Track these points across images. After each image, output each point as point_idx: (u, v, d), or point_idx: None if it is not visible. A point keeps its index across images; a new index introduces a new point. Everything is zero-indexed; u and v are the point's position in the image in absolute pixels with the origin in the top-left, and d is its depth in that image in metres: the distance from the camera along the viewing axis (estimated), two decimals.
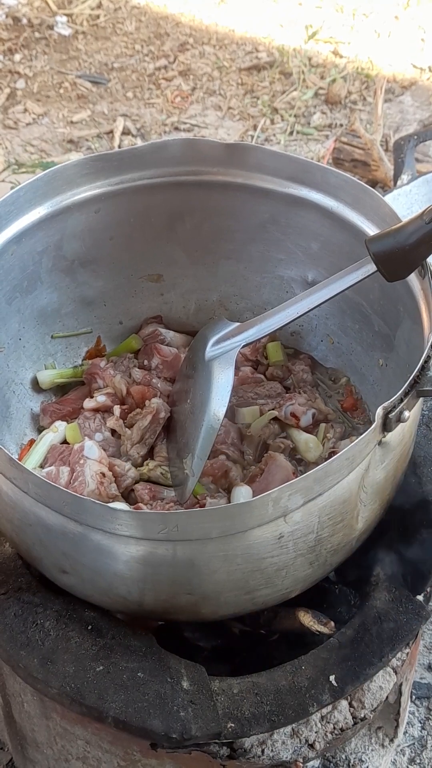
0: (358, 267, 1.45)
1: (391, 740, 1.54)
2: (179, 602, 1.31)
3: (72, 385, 1.75)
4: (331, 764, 1.46)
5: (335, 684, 1.33)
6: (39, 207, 1.60)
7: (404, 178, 2.50)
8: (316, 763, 1.43)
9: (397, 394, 1.26)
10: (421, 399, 1.33)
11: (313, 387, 1.72)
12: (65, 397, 1.73)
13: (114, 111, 3.71)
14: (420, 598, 1.44)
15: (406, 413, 1.27)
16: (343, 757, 1.47)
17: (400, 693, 1.50)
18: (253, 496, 1.46)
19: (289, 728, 1.35)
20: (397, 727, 1.55)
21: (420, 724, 1.87)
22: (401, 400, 1.26)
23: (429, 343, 1.33)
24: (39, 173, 1.58)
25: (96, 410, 1.66)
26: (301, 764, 1.35)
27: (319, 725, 1.37)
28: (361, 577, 1.51)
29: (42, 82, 3.85)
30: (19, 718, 1.53)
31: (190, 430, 1.54)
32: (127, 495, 1.56)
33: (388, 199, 1.70)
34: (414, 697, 1.90)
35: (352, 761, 1.48)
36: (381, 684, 1.42)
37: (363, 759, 1.49)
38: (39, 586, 1.42)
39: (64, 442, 1.63)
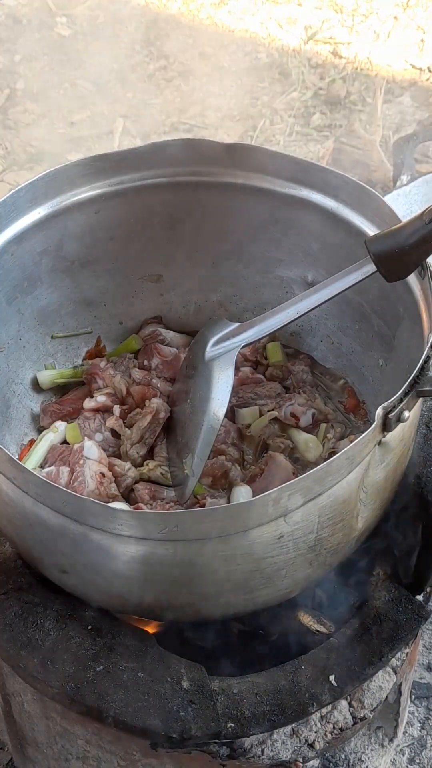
0: (357, 267, 1.45)
1: (391, 740, 1.54)
2: (179, 602, 1.31)
3: (72, 386, 1.75)
4: (331, 764, 1.47)
5: (335, 684, 1.33)
6: (39, 207, 1.60)
7: (404, 178, 2.51)
8: (316, 762, 1.43)
9: (397, 394, 1.26)
10: (420, 399, 1.33)
11: (313, 387, 1.72)
12: (65, 397, 1.73)
13: (113, 111, 3.71)
14: (419, 598, 1.44)
15: (406, 413, 1.27)
16: (343, 756, 1.47)
17: (399, 693, 1.50)
18: (253, 496, 1.46)
19: (288, 728, 1.35)
20: (396, 726, 1.55)
21: (419, 724, 1.87)
22: (401, 400, 1.26)
23: (429, 343, 1.33)
24: (37, 171, 1.58)
25: (96, 410, 1.66)
26: (300, 764, 1.35)
27: (318, 725, 1.37)
28: (361, 576, 1.51)
29: (42, 82, 3.85)
30: (19, 718, 1.53)
31: (190, 431, 1.54)
32: (128, 495, 1.56)
33: (388, 199, 1.69)
34: (413, 696, 1.90)
35: (351, 761, 1.48)
36: (380, 684, 1.42)
37: (362, 759, 1.49)
38: (39, 586, 1.42)
39: (64, 442, 1.63)
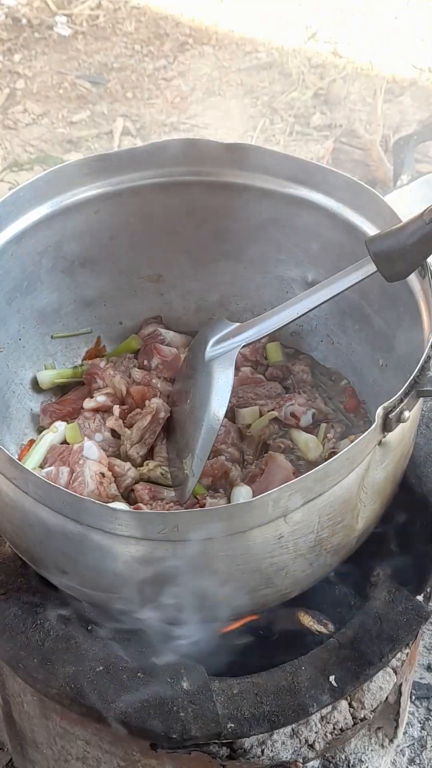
0: (358, 267, 1.45)
1: (391, 740, 1.54)
2: (179, 603, 1.30)
3: (72, 386, 1.75)
4: (331, 764, 1.46)
5: (335, 684, 1.33)
6: (39, 207, 1.59)
7: (404, 178, 2.51)
8: (316, 763, 1.43)
9: (398, 394, 1.26)
10: (421, 399, 1.33)
11: (313, 387, 1.72)
12: (65, 397, 1.73)
13: (113, 111, 3.71)
14: (420, 598, 1.44)
15: (406, 413, 1.27)
16: (343, 757, 1.47)
17: (399, 693, 1.50)
18: (253, 497, 1.46)
19: (288, 728, 1.35)
20: (396, 727, 1.55)
21: (420, 725, 1.87)
22: (401, 401, 1.26)
23: (429, 343, 1.33)
24: (37, 171, 1.58)
25: (96, 410, 1.66)
26: (300, 764, 1.35)
27: (318, 725, 1.37)
28: (361, 577, 1.51)
29: (41, 82, 3.85)
30: (18, 719, 1.53)
31: (190, 431, 1.53)
32: (127, 495, 1.56)
33: (388, 199, 1.69)
34: (414, 697, 1.90)
35: (351, 761, 1.48)
36: (381, 684, 1.42)
37: (363, 759, 1.49)
38: (39, 587, 1.42)
39: (64, 442, 1.63)
